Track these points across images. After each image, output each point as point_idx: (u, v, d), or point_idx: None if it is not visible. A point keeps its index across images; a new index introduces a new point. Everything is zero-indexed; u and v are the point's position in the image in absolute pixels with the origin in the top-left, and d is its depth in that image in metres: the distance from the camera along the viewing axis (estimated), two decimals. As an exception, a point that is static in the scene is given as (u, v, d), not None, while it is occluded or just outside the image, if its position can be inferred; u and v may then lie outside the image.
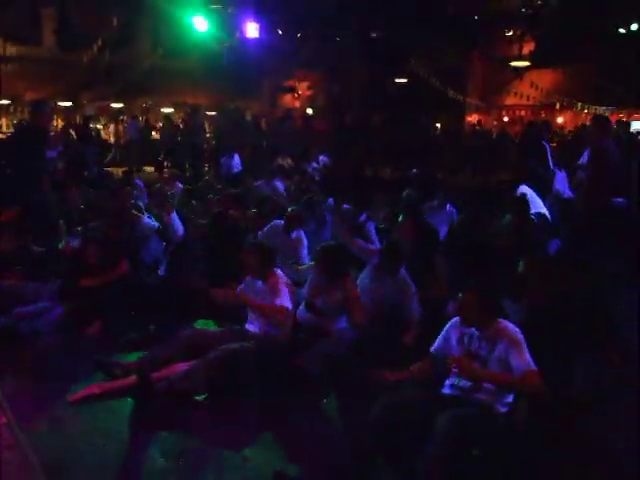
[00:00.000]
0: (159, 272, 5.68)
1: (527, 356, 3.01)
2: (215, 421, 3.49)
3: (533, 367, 2.97)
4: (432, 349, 3.42)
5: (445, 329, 3.39)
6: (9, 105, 17.21)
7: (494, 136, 16.92)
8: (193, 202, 7.94)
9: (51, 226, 6.07)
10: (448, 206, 6.96)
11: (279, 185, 8.69)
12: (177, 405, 3.51)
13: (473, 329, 3.20)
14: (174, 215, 6.30)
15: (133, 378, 3.66)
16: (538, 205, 6.55)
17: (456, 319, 3.34)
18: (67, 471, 2.84)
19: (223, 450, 3.18)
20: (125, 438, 3.27)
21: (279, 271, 4.26)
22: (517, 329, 3.12)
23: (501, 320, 3.18)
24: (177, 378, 3.63)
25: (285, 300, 4.05)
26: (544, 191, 7.27)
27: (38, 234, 5.74)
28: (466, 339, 3.22)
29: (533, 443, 3.15)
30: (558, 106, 19.03)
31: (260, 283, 4.22)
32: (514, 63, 17.53)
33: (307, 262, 5.65)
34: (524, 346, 3.04)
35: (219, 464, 3.05)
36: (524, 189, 6.51)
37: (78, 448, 3.09)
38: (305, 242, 5.81)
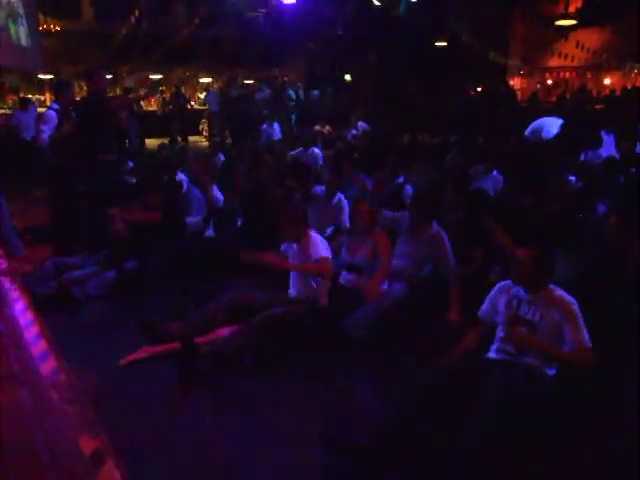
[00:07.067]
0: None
1: (583, 332, 2.96)
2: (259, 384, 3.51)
3: (588, 344, 2.93)
4: (479, 313, 3.39)
5: (492, 292, 3.35)
6: (51, 79, 17.42)
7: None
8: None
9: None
10: (495, 172, 6.75)
11: (317, 152, 8.65)
12: (221, 369, 3.55)
13: (523, 293, 3.13)
14: (214, 187, 6.33)
15: (178, 343, 3.73)
16: None
17: (504, 283, 3.29)
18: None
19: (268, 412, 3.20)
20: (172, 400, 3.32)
21: (313, 231, 4.29)
22: (574, 300, 3.04)
23: (556, 287, 3.11)
24: (221, 343, 3.69)
25: (323, 250, 4.12)
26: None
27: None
28: (515, 302, 3.16)
29: (580, 406, 3.11)
30: (605, 67, 18.21)
31: (296, 246, 4.26)
32: (559, 22, 16.71)
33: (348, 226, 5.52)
34: (581, 321, 2.98)
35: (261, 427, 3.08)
36: None
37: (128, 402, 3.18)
38: (346, 207, 5.64)
